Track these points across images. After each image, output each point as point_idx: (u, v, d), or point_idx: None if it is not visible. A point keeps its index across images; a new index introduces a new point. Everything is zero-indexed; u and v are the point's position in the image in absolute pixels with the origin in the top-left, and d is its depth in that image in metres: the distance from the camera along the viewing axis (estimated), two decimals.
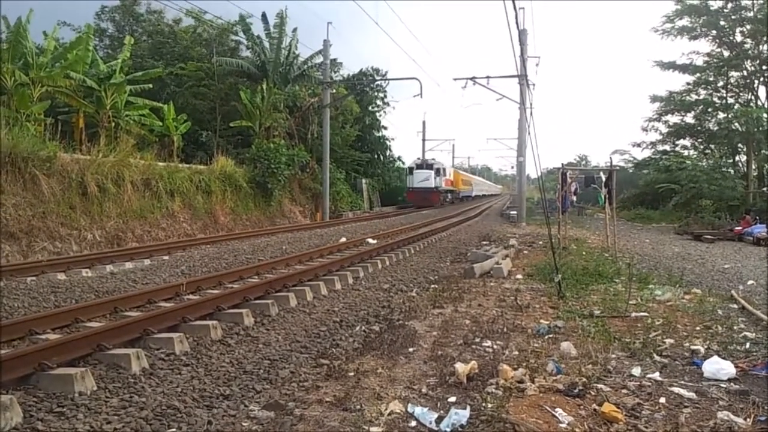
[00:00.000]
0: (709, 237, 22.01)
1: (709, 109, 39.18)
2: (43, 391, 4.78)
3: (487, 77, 29.13)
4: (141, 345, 6.02)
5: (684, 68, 38.62)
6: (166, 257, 13.17)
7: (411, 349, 6.11)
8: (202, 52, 39.82)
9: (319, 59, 36.44)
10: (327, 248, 14.86)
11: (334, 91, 38.08)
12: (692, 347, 6.12)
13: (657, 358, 5.82)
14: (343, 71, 46.25)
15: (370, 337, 6.81)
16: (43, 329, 6.58)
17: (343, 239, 17.52)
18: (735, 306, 8.57)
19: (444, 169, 51.68)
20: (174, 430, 4.25)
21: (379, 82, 49.01)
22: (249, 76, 36.92)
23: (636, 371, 5.36)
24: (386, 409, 4.46)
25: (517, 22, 9.80)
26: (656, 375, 5.29)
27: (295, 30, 37.56)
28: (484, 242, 18.38)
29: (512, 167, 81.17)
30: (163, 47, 40.28)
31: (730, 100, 38.58)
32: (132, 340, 6.12)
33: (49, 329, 6.64)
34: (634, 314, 7.62)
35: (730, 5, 35.14)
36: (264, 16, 36.87)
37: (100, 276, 10.71)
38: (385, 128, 53.78)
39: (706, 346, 6.22)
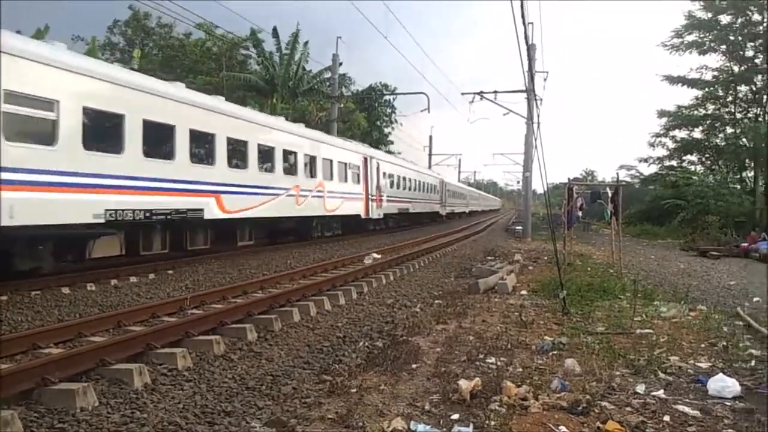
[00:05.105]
0: (714, 253, 21.92)
1: (717, 124, 39.13)
2: (45, 407, 4.79)
3: (495, 92, 29.31)
4: (144, 360, 6.02)
5: (692, 83, 38.60)
6: (170, 271, 13.19)
7: (414, 366, 6.09)
8: (212, 66, 40.13)
9: (328, 74, 36.68)
10: (331, 263, 14.86)
11: (342, 105, 38.27)
12: (697, 364, 6.09)
13: (662, 375, 5.77)
14: (353, 87, 46.51)
15: (374, 353, 6.78)
16: (47, 343, 6.60)
17: (348, 254, 17.51)
18: (740, 323, 8.52)
19: None
20: None
21: (387, 98, 49.31)
22: (258, 90, 37.17)
23: (640, 389, 5.32)
24: (389, 427, 4.43)
25: (525, 38, 9.88)
26: (661, 392, 5.25)
27: (306, 43, 37.80)
28: (489, 257, 18.34)
29: (518, 182, 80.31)
30: (173, 60, 40.63)
31: (739, 115, 38.53)
32: (135, 355, 6.12)
33: (52, 344, 6.66)
34: (638, 331, 7.57)
35: (740, 20, 35.17)
36: (275, 31, 37.13)
37: (104, 290, 10.72)
38: (392, 143, 54.06)
39: (711, 364, 6.18)
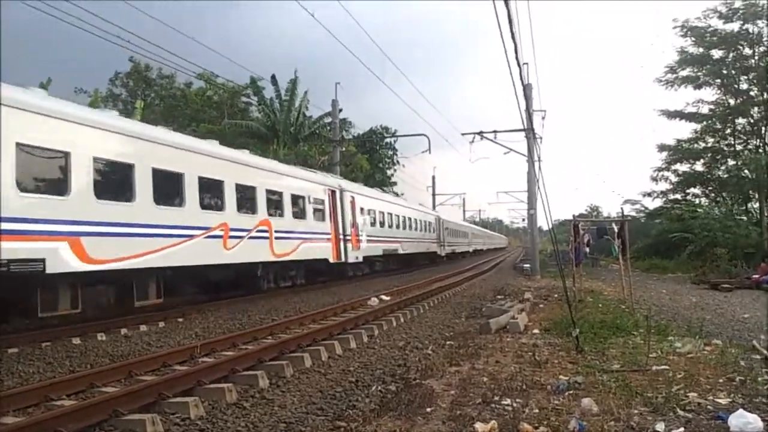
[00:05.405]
0: (726, 286, 21.75)
1: (718, 157, 39.35)
2: None
3: (494, 131, 29.60)
4: (156, 409, 5.97)
5: (690, 117, 38.96)
6: (180, 319, 13.16)
7: (429, 409, 6.01)
8: (213, 114, 40.73)
9: (329, 119, 37.22)
10: (341, 306, 14.81)
11: (344, 149, 38.64)
12: (716, 400, 6.00)
13: (681, 412, 5.68)
14: (354, 130, 47.07)
15: (387, 397, 6.71)
16: (59, 395, 6.56)
17: (357, 296, 17.46)
18: (758, 357, 8.41)
19: None
20: None
21: (388, 140, 49.78)
22: (260, 136, 37.67)
23: (660, 427, 5.24)
24: None
25: (521, 77, 10.05)
26: (681, 430, 5.17)
27: (306, 92, 38.52)
28: (499, 296, 18.25)
29: (523, 219, 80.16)
30: (175, 110, 41.29)
31: (739, 147, 38.76)
32: (147, 404, 6.08)
33: (64, 395, 6.63)
34: (654, 367, 7.48)
35: (732, 54, 35.68)
36: (273, 79, 37.83)
37: (114, 339, 10.70)
38: (395, 184, 54.38)
39: (730, 399, 6.08)
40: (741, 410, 5.44)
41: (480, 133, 29.79)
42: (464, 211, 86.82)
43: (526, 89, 24.13)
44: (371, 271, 28.58)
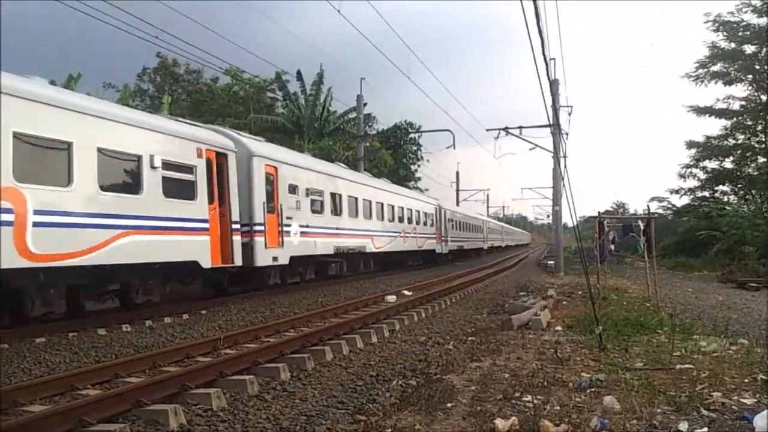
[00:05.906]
0: (754, 285, 21.42)
1: (748, 154, 38.68)
2: None
3: (520, 127, 29.31)
4: (179, 400, 6.04)
5: (720, 113, 38.34)
6: (203, 311, 13.30)
7: (449, 404, 6.01)
8: (239, 110, 41.03)
9: (353, 114, 37.33)
10: (362, 300, 14.85)
11: (368, 144, 38.70)
12: (741, 400, 5.91)
13: (704, 412, 5.61)
14: (378, 125, 47.12)
15: (407, 391, 6.71)
16: (84, 385, 6.67)
17: (379, 291, 17.49)
18: None
19: None
20: None
21: (412, 135, 49.70)
22: (285, 131, 37.88)
23: (683, 426, 5.17)
24: None
25: (548, 73, 9.93)
26: (705, 430, 5.10)
27: (330, 89, 38.68)
28: (522, 293, 18.15)
29: (548, 216, 79.42)
30: (201, 105, 41.65)
31: None
32: (170, 395, 6.15)
33: (89, 385, 6.73)
34: (678, 366, 7.39)
35: (765, 50, 35.00)
36: (299, 74, 38.00)
37: (138, 331, 10.85)
38: (419, 179, 54.32)
39: (756, 400, 5.99)
40: (767, 411, 5.35)
41: (505, 129, 29.57)
42: (488, 206, 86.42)
43: (553, 85, 23.92)
44: (318, 277, 20.33)
